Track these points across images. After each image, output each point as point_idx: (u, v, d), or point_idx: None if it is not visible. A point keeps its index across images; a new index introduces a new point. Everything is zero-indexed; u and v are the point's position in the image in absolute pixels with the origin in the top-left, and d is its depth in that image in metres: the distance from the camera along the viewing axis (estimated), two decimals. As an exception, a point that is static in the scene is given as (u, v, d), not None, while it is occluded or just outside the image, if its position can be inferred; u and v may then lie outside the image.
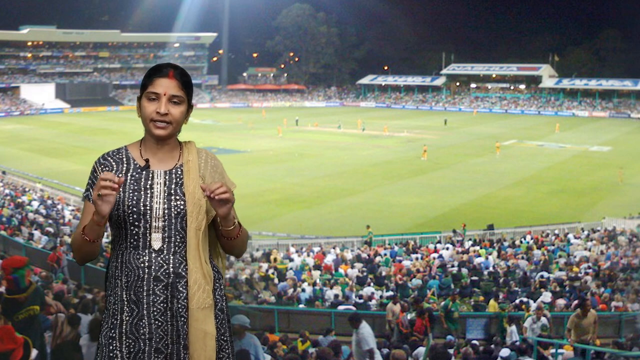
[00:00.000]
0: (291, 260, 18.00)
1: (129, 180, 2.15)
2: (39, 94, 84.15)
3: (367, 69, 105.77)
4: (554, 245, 20.66)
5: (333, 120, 66.27)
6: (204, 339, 2.11)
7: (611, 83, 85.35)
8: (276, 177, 34.33)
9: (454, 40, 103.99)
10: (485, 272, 16.70)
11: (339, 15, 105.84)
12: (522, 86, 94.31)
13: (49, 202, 25.53)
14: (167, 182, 2.16)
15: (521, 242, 21.50)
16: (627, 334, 10.28)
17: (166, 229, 2.13)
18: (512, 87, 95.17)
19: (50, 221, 20.46)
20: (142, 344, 2.08)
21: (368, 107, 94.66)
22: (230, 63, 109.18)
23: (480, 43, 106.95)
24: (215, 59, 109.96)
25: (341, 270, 16.93)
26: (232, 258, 15.95)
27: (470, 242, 21.55)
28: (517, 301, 12.91)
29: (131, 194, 2.11)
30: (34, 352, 4.73)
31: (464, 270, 16.57)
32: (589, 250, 19.10)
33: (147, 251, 2.11)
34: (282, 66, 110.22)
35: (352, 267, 17.47)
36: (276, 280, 15.50)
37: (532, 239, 21.95)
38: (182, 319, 2.11)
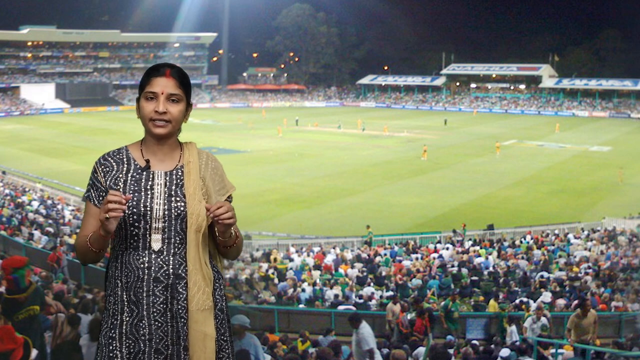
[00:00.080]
0: (291, 260, 18.00)
1: (129, 181, 2.15)
2: (39, 94, 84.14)
3: (367, 69, 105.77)
4: (554, 245, 20.65)
5: (333, 120, 66.27)
6: (203, 341, 2.12)
7: (611, 83, 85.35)
8: (276, 177, 34.33)
9: (454, 40, 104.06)
10: (485, 272, 16.70)
11: (339, 15, 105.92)
12: (522, 86, 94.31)
13: (49, 202, 25.52)
14: (168, 183, 2.16)
15: (521, 242, 21.50)
16: (627, 334, 10.27)
17: (166, 230, 2.13)
18: (512, 87, 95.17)
19: (50, 221, 20.46)
20: (142, 345, 2.08)
21: (368, 107, 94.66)
22: (230, 63, 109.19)
23: (480, 43, 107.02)
24: (215, 59, 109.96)
25: (341, 270, 16.93)
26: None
27: (470, 242, 21.55)
28: (517, 301, 12.90)
29: (131, 195, 2.11)
30: (34, 352, 4.73)
31: (464, 270, 16.56)
32: (589, 250, 19.10)
33: (146, 252, 2.12)
34: (282, 66, 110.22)
35: (352, 267, 17.47)
36: (276, 280, 15.50)
37: (532, 239, 21.94)
38: (182, 320, 2.11)
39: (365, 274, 16.45)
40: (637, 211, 25.70)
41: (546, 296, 12.93)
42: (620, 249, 18.72)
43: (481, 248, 20.11)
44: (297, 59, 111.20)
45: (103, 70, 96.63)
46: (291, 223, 25.20)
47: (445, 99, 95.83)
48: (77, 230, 18.07)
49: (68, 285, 10.84)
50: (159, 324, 2.10)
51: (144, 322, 2.09)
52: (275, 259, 17.68)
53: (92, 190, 2.18)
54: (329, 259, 18.24)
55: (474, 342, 9.71)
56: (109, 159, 2.20)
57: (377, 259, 18.72)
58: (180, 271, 2.13)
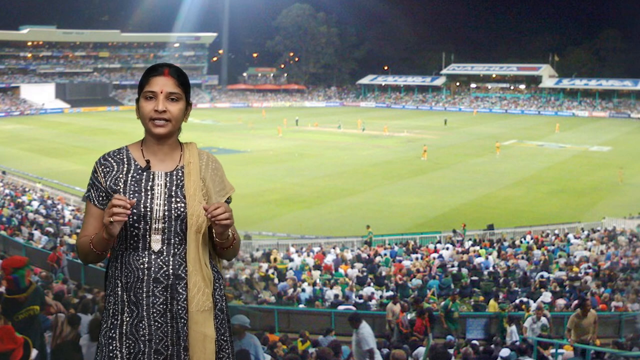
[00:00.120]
0: (291, 260, 18.00)
1: (129, 181, 2.14)
2: (39, 94, 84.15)
3: (367, 69, 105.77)
4: (554, 245, 20.65)
5: (333, 120, 66.27)
6: (203, 342, 2.11)
7: (611, 83, 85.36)
8: (276, 177, 34.33)
9: (454, 40, 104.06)
10: (485, 272, 16.70)
11: (339, 15, 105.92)
12: (522, 86, 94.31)
13: (49, 202, 25.51)
14: (168, 184, 2.16)
15: (521, 242, 21.50)
16: (627, 334, 10.27)
17: (166, 230, 2.13)
18: (512, 87, 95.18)
19: (50, 221, 20.45)
20: (141, 345, 2.08)
21: (368, 107, 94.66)
22: (230, 63, 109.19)
23: (480, 43, 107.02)
24: (215, 59, 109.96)
25: (341, 270, 16.92)
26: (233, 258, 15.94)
27: (470, 242, 21.55)
28: (517, 301, 12.90)
29: (131, 196, 2.11)
30: (34, 352, 4.73)
31: (464, 270, 16.56)
32: (589, 250, 19.10)
33: (146, 252, 2.12)
34: (282, 66, 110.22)
35: (352, 267, 17.47)
36: (276, 280, 15.50)
37: (532, 239, 21.94)
38: (182, 320, 2.11)
39: (365, 274, 16.44)
40: (637, 211, 25.70)
41: (546, 296, 12.92)
42: (620, 249, 18.71)
43: (481, 248, 20.11)
44: (297, 59, 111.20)
45: (103, 70, 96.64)
46: (291, 223, 25.20)
47: (445, 99, 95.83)
48: (77, 230, 18.09)
49: (68, 285, 10.84)
50: (159, 325, 2.10)
51: (143, 322, 2.09)
52: (275, 259, 17.68)
53: (92, 190, 2.18)
54: (329, 259, 18.24)
55: (474, 342, 9.71)
56: (109, 159, 2.20)
57: (377, 259, 18.72)
58: (180, 272, 2.13)
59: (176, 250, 2.14)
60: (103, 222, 2.01)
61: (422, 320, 10.67)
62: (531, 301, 12.56)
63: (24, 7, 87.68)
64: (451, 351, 8.69)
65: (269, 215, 26.47)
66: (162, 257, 2.12)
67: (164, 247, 2.12)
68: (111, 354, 2.09)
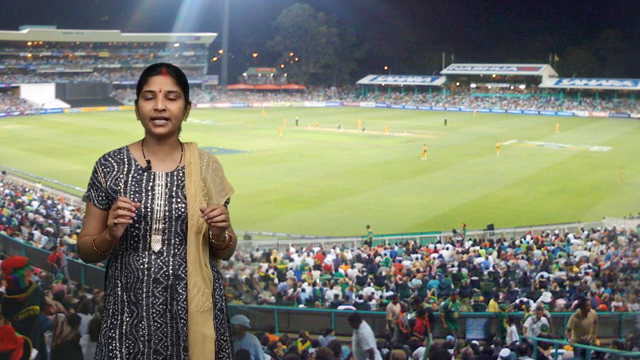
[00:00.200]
0: (291, 260, 18.00)
1: (130, 182, 2.14)
2: (39, 94, 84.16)
3: (367, 69, 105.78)
4: (554, 245, 20.65)
5: (333, 120, 66.27)
6: (202, 342, 2.12)
7: (611, 83, 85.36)
8: (276, 177, 34.33)
9: (454, 40, 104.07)
10: (485, 272, 16.70)
11: (339, 15, 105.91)
12: (522, 86, 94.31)
13: (49, 202, 25.51)
14: (169, 184, 2.16)
15: (521, 242, 21.50)
16: (627, 334, 10.27)
17: (166, 231, 2.13)
18: (512, 87, 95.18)
19: (50, 221, 20.45)
20: (141, 346, 2.08)
21: (368, 107, 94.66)
22: (230, 63, 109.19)
23: (480, 43, 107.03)
24: (215, 59, 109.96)
25: (341, 270, 16.92)
26: (233, 258, 15.95)
27: (470, 242, 21.55)
28: (517, 301, 12.90)
29: (132, 196, 2.11)
30: (34, 352, 4.73)
31: (464, 270, 16.56)
32: (589, 250, 19.10)
33: (146, 253, 2.12)
34: (282, 66, 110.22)
35: (352, 267, 17.47)
36: (276, 280, 15.50)
37: (532, 239, 21.94)
38: (182, 321, 2.11)
39: (365, 274, 16.44)
40: (637, 211, 25.70)
41: (546, 296, 12.92)
42: (620, 249, 18.71)
43: (481, 248, 20.11)
44: (297, 59, 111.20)
45: (103, 70, 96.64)
46: (291, 223, 25.19)
47: (445, 99, 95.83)
48: (77, 230, 18.09)
49: (68, 285, 10.84)
50: (158, 325, 2.10)
51: (143, 322, 2.09)
52: (275, 259, 17.68)
53: (92, 190, 2.18)
54: (329, 259, 18.23)
55: (474, 342, 9.71)
56: (110, 159, 2.20)
57: (377, 259, 18.72)
58: (180, 272, 2.13)
59: (176, 250, 2.14)
60: (107, 223, 2.01)
61: (422, 320, 10.67)
62: (531, 301, 12.56)
63: (24, 7, 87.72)
64: (451, 351, 8.69)
65: (269, 215, 26.46)
66: (162, 258, 2.12)
67: (164, 248, 2.12)
68: (111, 354, 2.09)
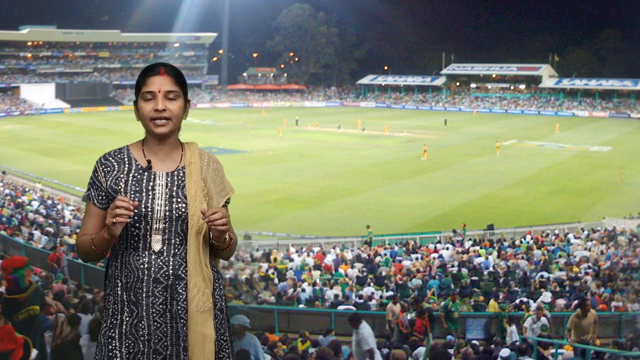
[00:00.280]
0: (291, 260, 18.00)
1: (130, 181, 2.14)
2: (39, 94, 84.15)
3: (367, 69, 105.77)
4: (554, 245, 20.65)
5: (333, 120, 66.27)
6: (202, 342, 2.11)
7: (611, 83, 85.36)
8: (276, 177, 34.33)
9: (454, 40, 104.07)
10: (485, 272, 16.70)
11: (339, 15, 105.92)
12: (522, 86, 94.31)
13: (49, 202, 25.51)
14: (169, 184, 2.16)
15: (521, 242, 21.50)
16: (627, 334, 10.27)
17: (166, 231, 2.13)
18: (512, 87, 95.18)
19: (50, 221, 20.46)
20: (141, 345, 2.08)
21: (368, 107, 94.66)
22: (230, 63, 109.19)
23: (480, 43, 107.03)
24: (215, 59, 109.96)
25: (341, 270, 16.92)
26: (233, 258, 15.95)
27: (470, 242, 21.54)
28: (517, 301, 12.90)
29: (132, 196, 2.11)
30: (34, 352, 4.73)
31: (464, 270, 16.56)
32: (589, 250, 19.10)
33: (146, 253, 2.12)
34: (282, 66, 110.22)
35: (352, 267, 17.47)
36: (276, 280, 15.50)
37: (532, 239, 21.94)
38: (182, 320, 2.11)
39: (365, 274, 16.44)
40: (637, 211, 25.70)
41: (546, 296, 12.92)
42: (620, 249, 18.71)
43: (481, 248, 20.11)
44: (297, 59, 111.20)
45: (103, 70, 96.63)
46: (291, 223, 25.19)
47: (445, 99, 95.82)
48: (77, 230, 18.08)
49: (68, 285, 10.84)
50: (158, 325, 2.10)
51: (143, 322, 2.09)
52: (275, 259, 17.68)
53: (92, 190, 2.18)
54: (329, 259, 18.23)
55: (474, 342, 9.71)
56: (110, 158, 2.20)
57: (377, 259, 18.72)
58: (180, 272, 2.13)
59: (176, 250, 2.14)
60: (105, 222, 2.01)
61: (422, 320, 10.67)
62: (531, 301, 12.56)
63: (24, 7, 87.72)
64: (451, 351, 8.69)
65: (269, 215, 26.46)
66: (162, 258, 2.12)
67: (165, 248, 2.12)
68: (110, 354, 2.09)
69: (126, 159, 2.19)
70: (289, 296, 13.72)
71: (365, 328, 8.03)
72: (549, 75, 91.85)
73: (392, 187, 32.20)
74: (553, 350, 9.07)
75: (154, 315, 2.09)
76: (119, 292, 2.13)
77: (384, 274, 16.39)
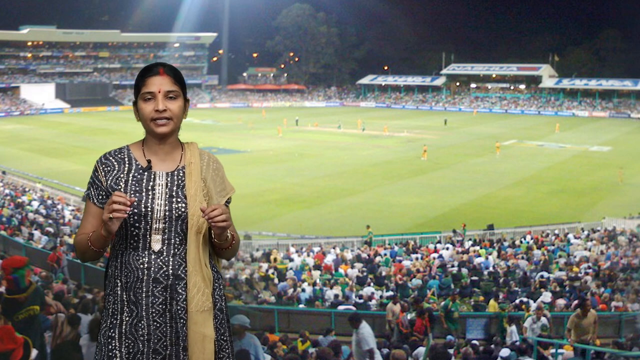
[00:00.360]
0: (291, 260, 18.00)
1: (130, 181, 2.14)
2: (39, 94, 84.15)
3: (367, 69, 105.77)
4: (554, 245, 20.65)
5: (333, 120, 66.27)
6: (202, 342, 2.12)
7: (611, 83, 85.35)
8: (276, 177, 34.33)
9: (454, 40, 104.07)
10: (485, 272, 16.70)
11: (339, 15, 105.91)
12: (522, 86, 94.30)
13: (49, 202, 25.51)
14: (169, 184, 2.16)
15: (521, 242, 21.49)
16: (627, 334, 10.27)
17: (166, 230, 2.13)
18: (512, 87, 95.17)
19: (50, 221, 20.45)
20: (140, 345, 2.08)
21: (368, 107, 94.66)
22: (230, 63, 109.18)
23: (480, 43, 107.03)
24: (215, 59, 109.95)
25: (341, 270, 16.92)
26: (233, 258, 15.95)
27: (470, 242, 21.54)
28: (517, 301, 12.90)
29: (132, 195, 2.11)
30: (34, 352, 4.73)
31: (464, 270, 16.56)
32: (589, 250, 19.10)
33: (146, 252, 2.12)
34: (282, 66, 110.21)
35: (352, 267, 17.47)
36: (276, 280, 15.50)
37: (532, 239, 21.94)
38: (182, 320, 2.11)
39: (365, 274, 16.44)
40: (637, 211, 25.70)
41: (546, 296, 12.92)
42: (620, 249, 18.71)
43: (481, 248, 20.10)
44: (297, 59, 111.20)
45: (103, 70, 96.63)
46: (291, 223, 25.19)
47: (445, 99, 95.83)
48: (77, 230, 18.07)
49: (68, 285, 10.84)
50: (158, 325, 2.10)
51: (142, 322, 2.09)
52: (275, 259, 17.67)
53: (92, 189, 2.18)
54: (329, 259, 18.23)
55: (474, 342, 9.71)
56: (110, 158, 2.20)
57: (377, 259, 18.71)
58: (179, 272, 2.13)
59: (176, 250, 2.14)
60: (102, 218, 2.01)
61: (422, 320, 10.67)
62: (531, 301, 12.56)
63: (24, 7, 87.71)
64: (451, 351, 8.69)
65: (269, 215, 26.46)
66: (162, 257, 2.12)
67: (164, 247, 2.12)
68: (110, 354, 2.09)
69: (126, 159, 2.19)
70: (289, 296, 13.71)
71: (365, 328, 8.03)
72: (549, 75, 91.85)
73: (392, 187, 32.20)
74: (553, 350, 9.07)
75: (154, 315, 2.09)
76: (119, 292, 2.13)
77: (384, 274, 16.39)
